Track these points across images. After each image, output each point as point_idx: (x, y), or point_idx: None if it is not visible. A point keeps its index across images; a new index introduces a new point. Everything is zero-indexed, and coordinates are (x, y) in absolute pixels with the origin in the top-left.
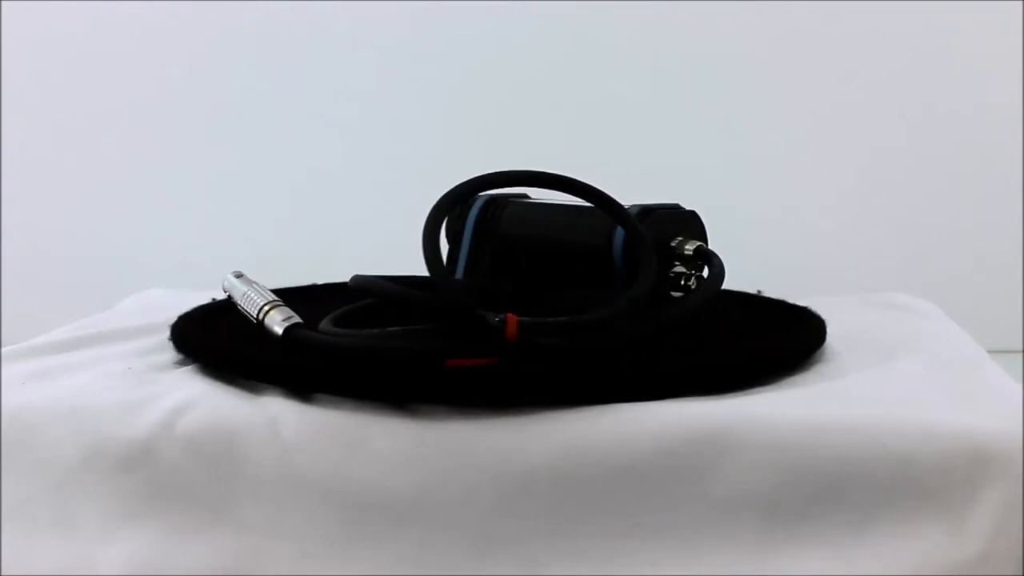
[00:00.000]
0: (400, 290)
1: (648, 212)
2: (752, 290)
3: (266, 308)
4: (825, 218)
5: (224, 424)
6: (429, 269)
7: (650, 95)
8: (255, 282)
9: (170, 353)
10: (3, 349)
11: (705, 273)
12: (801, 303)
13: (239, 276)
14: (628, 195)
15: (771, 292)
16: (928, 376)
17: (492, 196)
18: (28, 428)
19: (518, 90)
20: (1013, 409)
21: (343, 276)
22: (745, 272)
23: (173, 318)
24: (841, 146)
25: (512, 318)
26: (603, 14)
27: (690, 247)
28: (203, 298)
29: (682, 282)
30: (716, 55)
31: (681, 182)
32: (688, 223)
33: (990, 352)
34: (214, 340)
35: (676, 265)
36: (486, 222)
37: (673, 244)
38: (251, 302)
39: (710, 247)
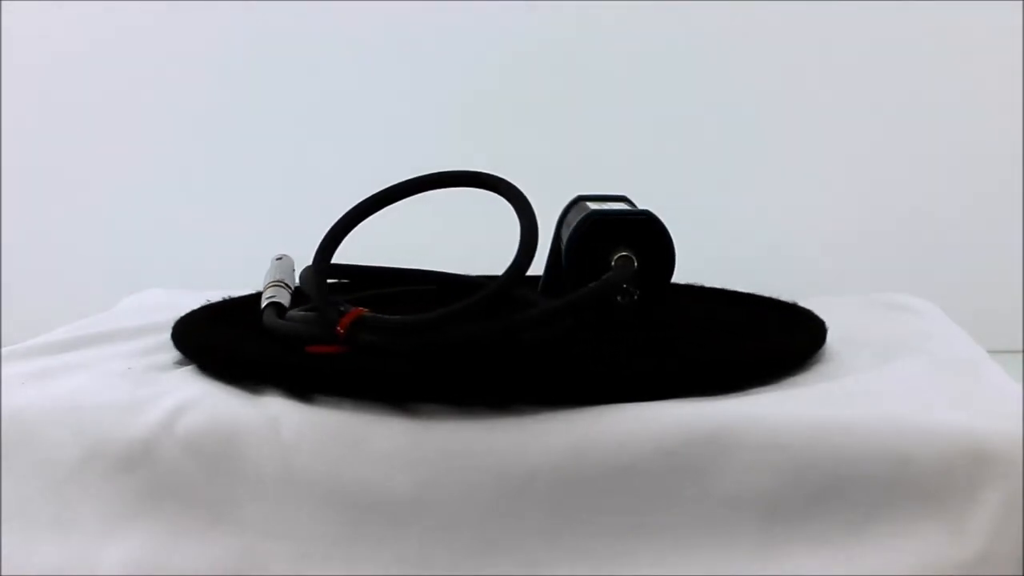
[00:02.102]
0: (307, 281)
1: (586, 218)
2: (747, 289)
3: (268, 286)
4: (825, 218)
5: (224, 424)
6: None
7: (650, 95)
8: (286, 266)
9: (170, 353)
10: (3, 349)
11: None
12: (801, 303)
13: (279, 259)
14: (627, 195)
15: (771, 292)
16: (928, 376)
17: (577, 197)
18: (28, 428)
19: (518, 90)
20: (1013, 409)
21: None
22: (745, 272)
23: (173, 318)
24: (842, 146)
25: (352, 313)
26: (603, 14)
27: (617, 257)
28: (203, 298)
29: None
30: (716, 55)
31: (681, 182)
32: (643, 230)
33: (990, 352)
34: (214, 340)
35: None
36: (560, 225)
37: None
38: (266, 280)
39: (674, 254)
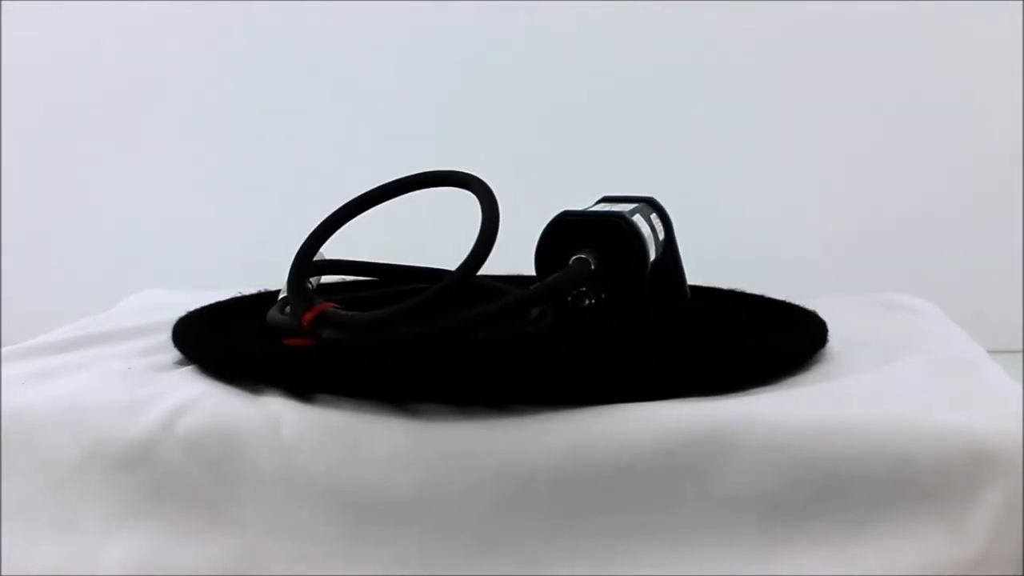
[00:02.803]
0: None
1: (554, 219)
2: (747, 289)
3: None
4: (825, 218)
5: (224, 424)
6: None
7: (650, 96)
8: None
9: (170, 353)
10: (3, 349)
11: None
12: (802, 303)
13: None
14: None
15: (771, 292)
16: (928, 376)
17: (602, 197)
18: (28, 428)
19: (518, 90)
20: (1013, 409)
21: None
22: (746, 272)
23: (173, 318)
24: (842, 146)
25: (316, 308)
26: (604, 13)
27: (574, 259)
28: (202, 298)
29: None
30: (717, 56)
31: (681, 182)
32: (610, 232)
33: (990, 352)
34: (214, 340)
35: None
36: None
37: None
38: None
39: (643, 258)
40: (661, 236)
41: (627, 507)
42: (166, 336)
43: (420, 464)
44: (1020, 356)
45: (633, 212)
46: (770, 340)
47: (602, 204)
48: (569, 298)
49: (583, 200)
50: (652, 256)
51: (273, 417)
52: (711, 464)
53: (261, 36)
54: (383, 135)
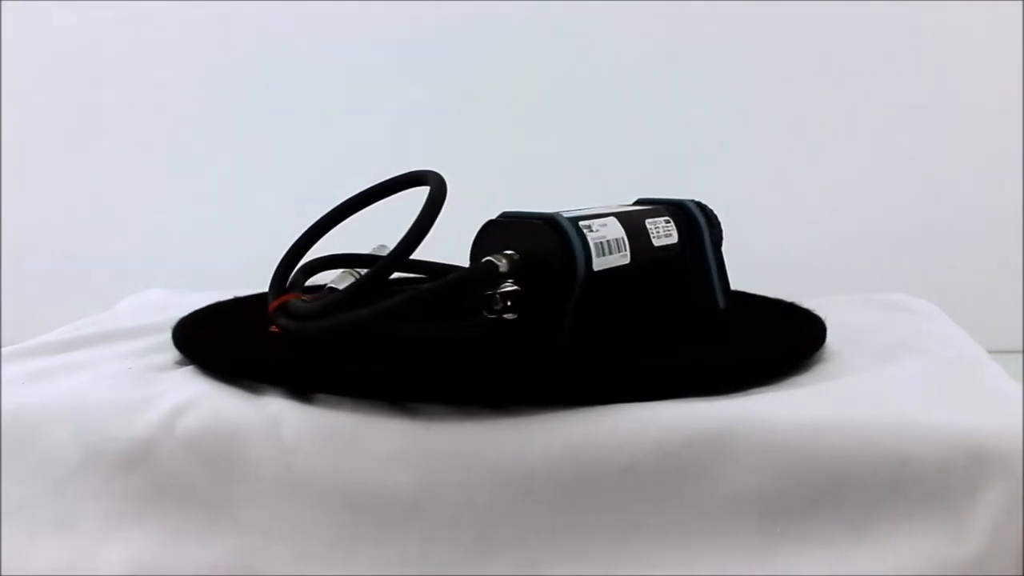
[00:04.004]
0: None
1: (487, 222)
2: (747, 289)
3: (343, 272)
4: (825, 218)
5: (224, 424)
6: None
7: (649, 95)
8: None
9: (170, 353)
10: (3, 349)
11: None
12: (801, 303)
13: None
14: (627, 194)
15: (771, 292)
16: (928, 376)
17: (637, 200)
18: (28, 428)
19: (520, 89)
20: (1013, 409)
21: None
22: (746, 272)
23: (173, 318)
24: (842, 146)
25: (281, 298)
26: (604, 11)
27: (484, 260)
28: (202, 299)
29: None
30: (718, 53)
31: (682, 181)
32: (539, 235)
33: (990, 352)
34: (214, 340)
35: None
36: None
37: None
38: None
39: (570, 262)
40: (666, 241)
41: (627, 507)
42: (166, 336)
43: (420, 464)
44: (1020, 356)
45: (600, 215)
46: (769, 340)
47: (631, 206)
48: (484, 299)
49: (587, 200)
50: (616, 262)
51: (273, 417)
52: (711, 464)
53: (262, 38)
54: (387, 136)
